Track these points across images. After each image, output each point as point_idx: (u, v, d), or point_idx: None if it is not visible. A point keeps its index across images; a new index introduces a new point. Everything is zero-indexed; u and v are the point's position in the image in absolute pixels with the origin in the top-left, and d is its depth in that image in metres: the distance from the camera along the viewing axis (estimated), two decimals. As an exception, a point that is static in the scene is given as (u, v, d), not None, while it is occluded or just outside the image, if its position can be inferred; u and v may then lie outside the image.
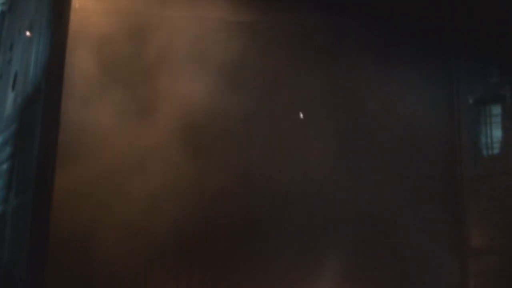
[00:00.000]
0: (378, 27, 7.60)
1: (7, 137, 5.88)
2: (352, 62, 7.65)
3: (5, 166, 5.82)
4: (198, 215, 7.40)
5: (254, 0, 7.27)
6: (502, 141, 7.71)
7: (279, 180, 7.83)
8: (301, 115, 7.95)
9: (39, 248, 4.97)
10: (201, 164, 7.50)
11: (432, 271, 7.55)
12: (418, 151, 7.93)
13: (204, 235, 8.41)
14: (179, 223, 7.41)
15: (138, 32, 6.69)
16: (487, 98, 7.67)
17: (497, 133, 7.82)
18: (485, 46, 7.49)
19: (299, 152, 7.98)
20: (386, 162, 7.89)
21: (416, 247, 7.62)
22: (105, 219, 6.00)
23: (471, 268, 7.17)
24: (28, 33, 6.52)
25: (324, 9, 7.55)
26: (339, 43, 7.62)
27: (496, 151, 7.72)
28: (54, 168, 5.05)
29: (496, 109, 7.76)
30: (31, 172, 5.20)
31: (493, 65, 7.66)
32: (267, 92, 7.59)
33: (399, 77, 7.69)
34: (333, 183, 8.15)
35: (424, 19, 7.29)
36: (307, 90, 7.68)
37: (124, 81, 6.69)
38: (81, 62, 5.62)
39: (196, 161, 7.50)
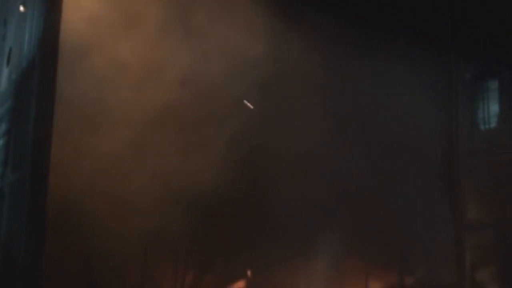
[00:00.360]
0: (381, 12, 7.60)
1: (2, 113, 5.86)
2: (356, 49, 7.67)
3: (1, 142, 5.80)
4: (197, 190, 7.43)
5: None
6: (498, 117, 7.74)
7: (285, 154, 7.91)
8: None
9: (36, 222, 4.98)
10: (203, 137, 7.51)
11: (428, 245, 7.63)
12: (415, 127, 7.96)
13: (203, 209, 8.45)
14: (178, 197, 7.43)
15: (131, 6, 6.65)
16: (484, 74, 7.69)
17: (493, 108, 7.84)
18: (482, 24, 7.47)
19: (299, 128, 8.03)
20: (384, 137, 7.92)
21: (413, 221, 7.69)
22: (102, 195, 6.02)
23: (467, 241, 7.24)
24: (22, 8, 6.45)
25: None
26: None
27: (492, 126, 7.75)
28: (50, 143, 5.04)
29: (493, 84, 7.77)
30: (27, 148, 5.18)
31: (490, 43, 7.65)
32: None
33: (400, 59, 7.69)
34: (333, 157, 8.19)
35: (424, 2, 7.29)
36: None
37: (119, 55, 6.67)
38: (75, 36, 5.59)
39: (198, 134, 7.51)
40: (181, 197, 7.60)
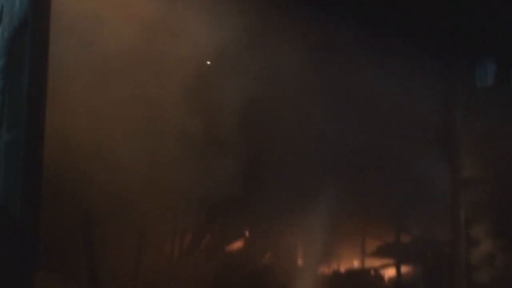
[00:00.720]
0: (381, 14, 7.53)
1: (-5, 72, 5.82)
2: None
3: (-5, 101, 5.78)
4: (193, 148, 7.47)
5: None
6: (495, 74, 7.71)
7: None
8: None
9: (32, 181, 4.99)
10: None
11: (424, 202, 7.69)
12: (410, 83, 7.95)
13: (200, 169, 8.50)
14: (175, 156, 7.47)
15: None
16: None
17: (491, 66, 7.81)
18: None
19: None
20: (380, 98, 7.92)
21: (408, 178, 7.74)
22: (97, 154, 6.04)
23: (462, 198, 7.30)
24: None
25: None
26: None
27: (489, 82, 7.73)
28: (45, 101, 5.02)
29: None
30: (22, 107, 5.16)
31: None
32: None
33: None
34: (330, 118, 8.21)
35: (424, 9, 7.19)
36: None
37: (114, 15, 6.61)
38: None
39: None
40: (178, 157, 7.63)
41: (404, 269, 9.41)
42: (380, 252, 9.88)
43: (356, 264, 10.63)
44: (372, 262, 10.13)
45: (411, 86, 7.82)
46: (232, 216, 9.98)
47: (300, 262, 10.02)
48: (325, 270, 10.68)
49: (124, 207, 7.38)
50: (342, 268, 10.47)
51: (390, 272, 9.72)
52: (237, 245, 10.47)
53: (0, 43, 5.90)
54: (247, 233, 10.50)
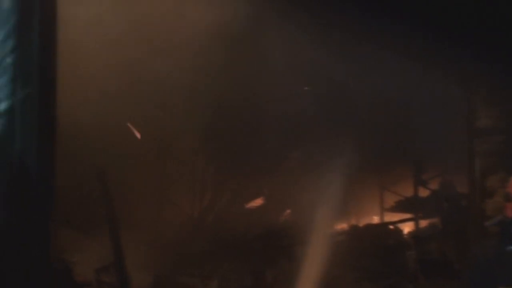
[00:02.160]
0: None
1: (8, 30, 5.86)
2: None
3: (9, 59, 5.83)
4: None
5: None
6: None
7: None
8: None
9: (47, 137, 5.07)
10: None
11: (441, 150, 7.68)
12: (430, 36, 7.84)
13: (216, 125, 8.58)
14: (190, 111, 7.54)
15: None
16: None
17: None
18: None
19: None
20: (401, 51, 7.84)
21: (426, 126, 7.72)
22: (110, 106, 6.12)
23: (477, 147, 7.26)
24: None
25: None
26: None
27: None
28: (56, 58, 5.07)
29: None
30: (34, 64, 5.22)
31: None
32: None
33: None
34: (345, 70, 8.16)
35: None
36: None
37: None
38: None
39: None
40: (193, 112, 7.70)
41: (421, 222, 9.44)
42: (398, 206, 9.91)
43: (374, 218, 10.69)
44: (390, 216, 10.18)
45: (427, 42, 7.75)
46: (250, 174, 10.07)
47: (318, 217, 10.08)
48: (344, 224, 10.77)
49: (141, 163, 7.50)
50: (361, 223, 10.54)
51: (408, 226, 9.76)
52: (255, 202, 10.58)
53: (11, 1, 5.92)
54: (265, 190, 10.60)
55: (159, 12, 6.83)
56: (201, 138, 8.78)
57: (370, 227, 10.52)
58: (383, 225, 10.28)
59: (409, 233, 9.62)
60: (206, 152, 9.60)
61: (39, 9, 5.08)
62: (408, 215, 9.88)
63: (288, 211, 11.14)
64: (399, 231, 9.76)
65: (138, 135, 7.50)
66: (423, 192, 9.61)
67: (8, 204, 5.75)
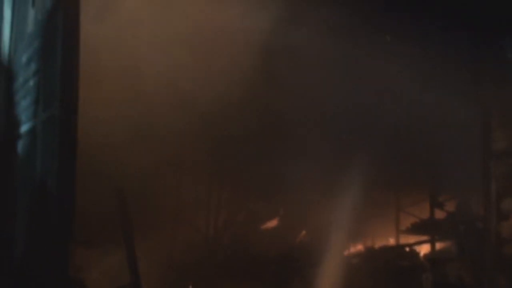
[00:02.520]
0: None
1: (31, 54, 6.02)
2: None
3: (31, 82, 5.98)
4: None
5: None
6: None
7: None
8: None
9: (68, 157, 5.17)
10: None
11: (457, 172, 7.67)
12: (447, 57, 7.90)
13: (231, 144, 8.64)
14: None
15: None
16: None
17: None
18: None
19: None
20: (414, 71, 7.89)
21: (442, 148, 7.73)
22: (130, 129, 6.23)
23: (493, 170, 7.25)
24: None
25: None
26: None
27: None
28: (78, 81, 5.19)
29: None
30: (56, 86, 5.34)
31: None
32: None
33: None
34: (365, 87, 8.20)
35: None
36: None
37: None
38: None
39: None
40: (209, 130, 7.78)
41: (438, 244, 9.40)
42: (414, 228, 9.88)
43: (390, 240, 10.65)
44: (407, 239, 10.14)
45: (444, 61, 7.78)
46: (266, 196, 10.09)
47: (333, 238, 10.08)
48: (360, 246, 10.73)
49: (159, 183, 7.59)
50: (377, 245, 10.51)
51: (424, 248, 9.72)
52: (271, 222, 10.59)
53: (35, 26, 6.08)
54: (280, 211, 10.61)
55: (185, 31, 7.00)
56: (217, 157, 8.85)
57: (385, 249, 10.48)
58: (399, 247, 10.24)
59: (425, 255, 9.57)
60: (221, 172, 9.66)
61: (62, 33, 5.21)
62: (424, 237, 9.84)
63: (304, 232, 11.15)
64: (415, 253, 9.72)
65: None
66: (439, 214, 9.58)
67: (29, 223, 5.85)
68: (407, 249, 9.92)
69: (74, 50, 5.14)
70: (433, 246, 9.64)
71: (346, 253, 10.26)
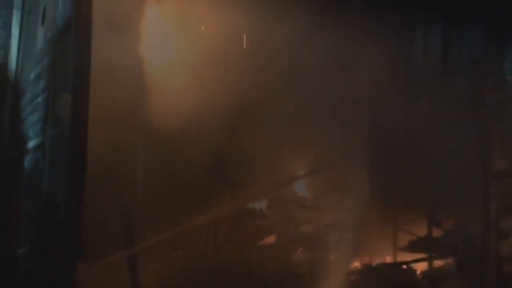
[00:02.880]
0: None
1: (40, 71, 6.09)
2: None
3: (40, 99, 6.04)
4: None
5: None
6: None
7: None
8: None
9: (76, 175, 5.22)
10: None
11: (456, 191, 7.73)
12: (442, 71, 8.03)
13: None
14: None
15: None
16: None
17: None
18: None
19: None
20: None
21: (441, 169, 7.80)
22: (140, 144, 6.29)
23: (493, 190, 7.32)
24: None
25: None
26: None
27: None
28: (88, 99, 5.25)
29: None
30: (65, 103, 5.40)
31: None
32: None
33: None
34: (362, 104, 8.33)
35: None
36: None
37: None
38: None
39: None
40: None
41: (435, 263, 9.44)
42: (412, 246, 9.91)
43: (388, 258, 10.68)
44: (404, 256, 10.17)
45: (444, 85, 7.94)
46: (263, 211, 10.14)
47: (331, 256, 10.13)
48: (357, 264, 10.76)
49: (162, 199, 7.63)
50: (374, 262, 10.53)
51: (421, 266, 9.75)
52: (268, 239, 10.62)
53: (44, 43, 6.15)
54: (278, 228, 10.65)
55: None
56: (218, 172, 8.92)
57: (383, 266, 10.50)
58: (396, 264, 10.27)
59: (422, 272, 9.60)
60: (220, 186, 9.72)
61: (72, 51, 5.29)
62: (422, 255, 9.86)
63: (301, 249, 11.19)
64: (412, 271, 9.74)
65: None
66: (437, 232, 9.62)
67: (35, 238, 5.89)
68: (404, 266, 9.95)
69: (85, 68, 5.21)
70: (430, 264, 9.66)
71: (344, 270, 10.29)
